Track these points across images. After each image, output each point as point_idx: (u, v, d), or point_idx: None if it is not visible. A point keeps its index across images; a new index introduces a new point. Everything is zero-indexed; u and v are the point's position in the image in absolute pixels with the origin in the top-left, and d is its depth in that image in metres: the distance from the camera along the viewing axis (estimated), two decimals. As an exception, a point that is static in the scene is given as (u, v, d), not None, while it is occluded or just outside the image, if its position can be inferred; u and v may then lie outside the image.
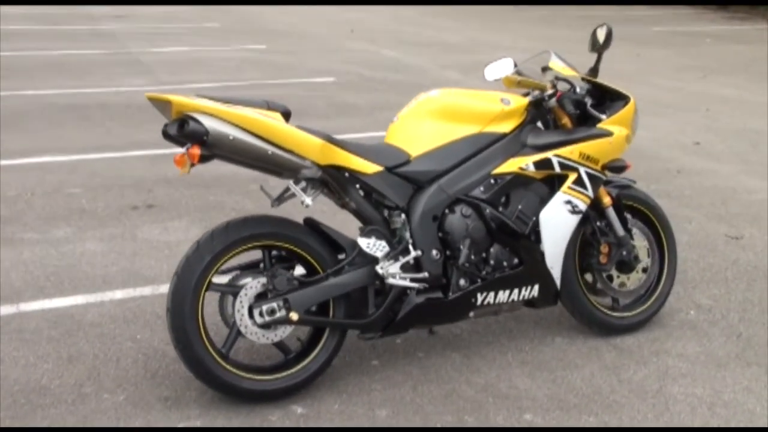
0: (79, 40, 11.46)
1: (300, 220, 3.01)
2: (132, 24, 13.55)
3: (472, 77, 9.32)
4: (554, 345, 3.37)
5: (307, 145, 2.81)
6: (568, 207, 3.14)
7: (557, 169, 3.12)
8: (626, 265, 3.39)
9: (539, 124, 3.25)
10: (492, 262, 3.07)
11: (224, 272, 2.96)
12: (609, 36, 3.18)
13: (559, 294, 3.27)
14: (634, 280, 3.45)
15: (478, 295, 3.07)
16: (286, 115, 2.87)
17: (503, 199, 3.10)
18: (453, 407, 2.92)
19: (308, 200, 2.88)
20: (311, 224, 3.00)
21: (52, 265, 4.04)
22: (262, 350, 3.16)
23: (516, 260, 3.11)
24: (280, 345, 2.97)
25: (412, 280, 2.97)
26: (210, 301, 2.93)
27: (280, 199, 3.01)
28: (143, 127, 6.58)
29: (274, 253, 2.96)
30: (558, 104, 3.19)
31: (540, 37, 13.05)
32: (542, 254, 3.13)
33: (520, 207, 3.11)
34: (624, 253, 3.35)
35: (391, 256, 2.94)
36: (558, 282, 3.22)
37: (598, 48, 3.21)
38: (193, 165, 2.73)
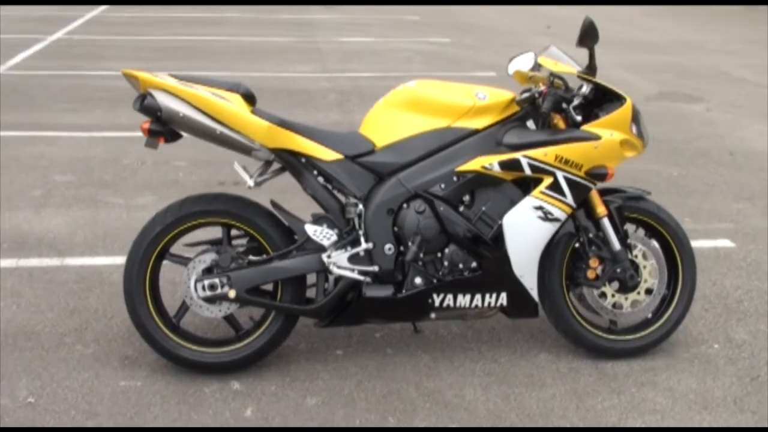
0: (278, 28, 12.17)
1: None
2: (337, 15, 14.13)
3: (637, 77, 8.77)
4: (535, 360, 3.14)
5: (253, 127, 2.85)
6: (539, 213, 2.89)
7: (527, 172, 2.89)
8: (623, 284, 3.07)
9: (530, 122, 3.02)
10: (446, 263, 2.92)
11: (192, 245, 3.10)
12: (590, 29, 2.88)
13: (540, 306, 3.05)
14: (634, 301, 3.11)
15: (435, 295, 2.94)
16: (249, 98, 2.93)
17: (466, 199, 2.93)
18: (384, 407, 2.84)
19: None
20: (274, 206, 3.04)
21: (115, 228, 4.40)
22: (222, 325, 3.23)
23: (474, 264, 2.93)
24: (231, 321, 3.04)
25: (361, 272, 2.91)
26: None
27: (257, 182, 3.08)
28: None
29: (234, 232, 3.05)
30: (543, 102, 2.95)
31: (756, 40, 11.89)
32: (508, 261, 2.92)
33: (484, 209, 2.92)
34: (618, 270, 3.04)
35: (340, 245, 2.90)
36: (534, 293, 2.99)
37: (586, 43, 2.92)
38: (155, 140, 2.91)
